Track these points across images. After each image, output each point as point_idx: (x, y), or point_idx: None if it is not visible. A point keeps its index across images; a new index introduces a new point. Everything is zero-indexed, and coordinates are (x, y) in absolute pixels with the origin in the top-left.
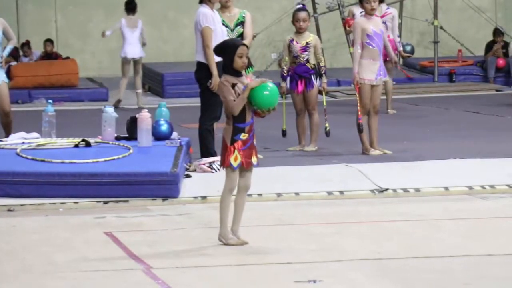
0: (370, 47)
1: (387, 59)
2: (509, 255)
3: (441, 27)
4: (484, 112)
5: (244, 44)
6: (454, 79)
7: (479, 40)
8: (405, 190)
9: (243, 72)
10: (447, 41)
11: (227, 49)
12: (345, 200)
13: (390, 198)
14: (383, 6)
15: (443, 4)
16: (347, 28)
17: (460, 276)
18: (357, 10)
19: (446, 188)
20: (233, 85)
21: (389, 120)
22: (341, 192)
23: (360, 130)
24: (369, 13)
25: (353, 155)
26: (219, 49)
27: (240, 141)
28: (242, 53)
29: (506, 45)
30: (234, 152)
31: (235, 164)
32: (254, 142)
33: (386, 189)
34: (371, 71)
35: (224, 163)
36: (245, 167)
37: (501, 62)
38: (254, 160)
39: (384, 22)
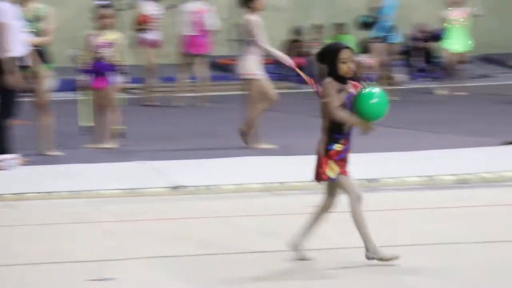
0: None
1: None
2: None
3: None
4: (282, 110)
5: (348, 47)
6: None
7: (274, 39)
8: (200, 187)
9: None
10: None
11: (328, 55)
12: (140, 197)
13: (185, 195)
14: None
15: None
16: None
17: (255, 271)
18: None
19: (241, 185)
20: (339, 91)
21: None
22: (136, 189)
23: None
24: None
25: (151, 152)
26: (321, 56)
27: (333, 151)
28: (346, 57)
29: (302, 44)
30: (327, 163)
31: (333, 175)
32: (349, 157)
33: (181, 186)
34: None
35: (321, 176)
36: (343, 174)
37: (298, 61)
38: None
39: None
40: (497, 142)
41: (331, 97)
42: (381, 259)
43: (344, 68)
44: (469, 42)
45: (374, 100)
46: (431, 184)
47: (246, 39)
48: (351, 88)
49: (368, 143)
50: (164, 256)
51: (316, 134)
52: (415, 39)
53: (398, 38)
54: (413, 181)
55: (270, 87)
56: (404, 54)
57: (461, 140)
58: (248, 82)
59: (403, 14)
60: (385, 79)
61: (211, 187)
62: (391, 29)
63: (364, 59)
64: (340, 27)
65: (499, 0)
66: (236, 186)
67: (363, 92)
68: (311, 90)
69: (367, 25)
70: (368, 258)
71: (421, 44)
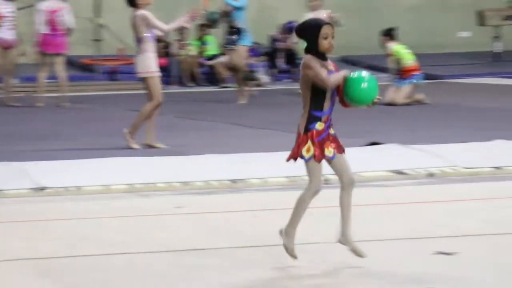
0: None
1: None
2: (169, 252)
3: (103, 25)
4: None
5: (329, 23)
6: (117, 78)
7: None
8: (67, 188)
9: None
10: (111, 40)
11: (308, 30)
12: (5, 199)
13: (52, 197)
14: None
15: (107, 3)
16: None
17: (122, 273)
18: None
19: (107, 186)
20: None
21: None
22: (1, 191)
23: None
24: None
25: (15, 152)
26: (299, 31)
27: (315, 131)
28: (328, 33)
29: (168, 45)
30: (307, 142)
31: (307, 155)
32: (332, 133)
33: (46, 187)
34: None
35: (295, 154)
36: (316, 160)
37: (162, 62)
38: (328, 151)
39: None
40: (361, 142)
41: (317, 69)
42: (285, 247)
43: (325, 44)
44: None
45: (365, 85)
46: (295, 184)
47: (138, 37)
48: (331, 66)
49: (232, 143)
50: (30, 258)
51: (184, 135)
52: (278, 40)
53: (249, 41)
54: (277, 181)
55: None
56: (267, 55)
57: None
58: (146, 80)
59: (268, 15)
60: (242, 81)
61: (81, 187)
62: (241, 31)
63: (224, 59)
64: (203, 28)
65: (357, 1)
66: (101, 187)
67: (353, 77)
68: (176, 90)
69: (213, 21)
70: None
71: (285, 45)
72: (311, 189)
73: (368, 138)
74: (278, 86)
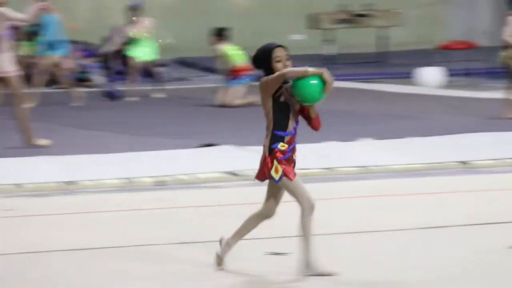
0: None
1: None
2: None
3: None
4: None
5: (280, 45)
6: None
7: None
8: None
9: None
10: None
11: (260, 57)
12: None
13: None
14: None
15: None
16: None
17: None
18: None
19: None
20: (279, 88)
21: None
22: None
23: None
24: None
25: None
26: (256, 61)
27: (278, 150)
28: (280, 55)
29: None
30: (273, 162)
31: (276, 176)
32: (294, 158)
33: None
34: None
35: (264, 176)
36: (290, 178)
37: None
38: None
39: None
40: (194, 144)
41: (273, 76)
42: (320, 273)
43: (280, 66)
44: (155, 50)
45: (314, 81)
46: (129, 186)
47: None
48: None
49: (66, 144)
50: None
51: (17, 137)
52: (111, 42)
53: (62, 51)
54: (111, 183)
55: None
56: (102, 56)
57: (159, 141)
58: (6, 80)
59: (100, 15)
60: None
61: None
62: (53, 43)
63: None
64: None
65: (191, 3)
66: None
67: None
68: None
69: (32, 34)
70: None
71: (118, 47)
72: (305, 208)
73: (201, 139)
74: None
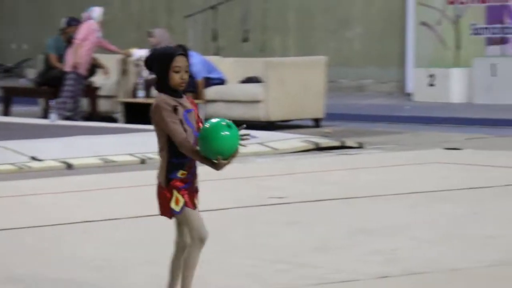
0: None
1: None
2: None
3: None
4: None
5: (183, 54)
6: None
7: None
8: None
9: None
10: None
11: (158, 61)
12: None
13: None
14: None
15: None
16: None
17: None
18: None
19: None
20: (174, 108)
21: None
22: None
23: None
24: None
25: None
26: (149, 62)
27: (177, 180)
28: (180, 66)
29: None
30: (172, 193)
31: (177, 208)
32: (197, 186)
33: None
34: None
35: (166, 212)
36: (190, 207)
37: None
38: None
39: None
40: None
41: (170, 126)
42: None
43: (177, 79)
44: None
45: (226, 132)
46: None
47: None
48: (187, 102)
49: None
50: None
51: None
52: None
53: None
54: None
55: None
56: None
57: None
58: None
59: None
60: None
61: None
62: None
63: None
64: None
65: None
66: None
67: (210, 125)
68: None
69: None
70: None
71: None
72: (195, 240)
73: None
74: None
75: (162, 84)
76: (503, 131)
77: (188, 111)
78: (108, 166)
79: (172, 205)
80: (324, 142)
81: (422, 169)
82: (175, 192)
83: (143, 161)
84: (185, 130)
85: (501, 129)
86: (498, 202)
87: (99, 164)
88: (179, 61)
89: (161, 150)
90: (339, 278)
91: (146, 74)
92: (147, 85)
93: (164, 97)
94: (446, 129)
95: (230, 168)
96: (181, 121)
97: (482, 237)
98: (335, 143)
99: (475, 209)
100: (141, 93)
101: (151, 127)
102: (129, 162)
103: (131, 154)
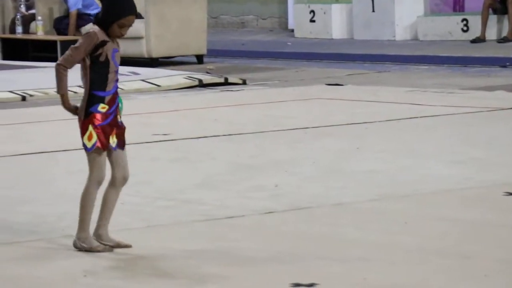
0: None
1: None
2: None
3: None
4: None
5: (133, 14)
6: None
7: None
8: None
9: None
10: None
11: (111, 10)
12: None
13: None
14: None
15: None
16: None
17: None
18: None
19: None
20: (102, 43)
21: None
22: None
23: None
24: None
25: None
26: (108, 8)
27: (97, 114)
28: (125, 23)
29: None
30: (88, 128)
31: (89, 144)
32: (119, 120)
33: None
34: None
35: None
36: (101, 148)
37: None
38: (112, 141)
39: None
40: None
41: (78, 46)
42: (90, 249)
43: (117, 32)
44: None
45: None
46: None
47: None
48: (117, 45)
49: None
50: None
51: None
52: None
53: None
54: None
55: None
56: None
57: None
58: None
59: None
60: None
61: None
62: None
63: None
64: None
65: None
66: None
67: None
68: None
69: None
70: (75, 246)
71: None
72: (93, 181)
73: None
74: None
75: (104, 24)
76: (383, 67)
77: (116, 50)
78: None
79: (85, 140)
80: (208, 78)
81: (305, 104)
82: (90, 127)
83: (24, 98)
84: (111, 67)
85: (380, 65)
86: (379, 137)
87: None
88: (129, 20)
89: (84, 84)
90: (224, 214)
91: (24, 9)
92: (25, 20)
93: (99, 31)
94: (327, 65)
95: None
96: (107, 57)
97: (364, 172)
98: (219, 80)
99: (357, 144)
100: (19, 28)
101: (30, 63)
102: (9, 100)
103: (11, 91)
